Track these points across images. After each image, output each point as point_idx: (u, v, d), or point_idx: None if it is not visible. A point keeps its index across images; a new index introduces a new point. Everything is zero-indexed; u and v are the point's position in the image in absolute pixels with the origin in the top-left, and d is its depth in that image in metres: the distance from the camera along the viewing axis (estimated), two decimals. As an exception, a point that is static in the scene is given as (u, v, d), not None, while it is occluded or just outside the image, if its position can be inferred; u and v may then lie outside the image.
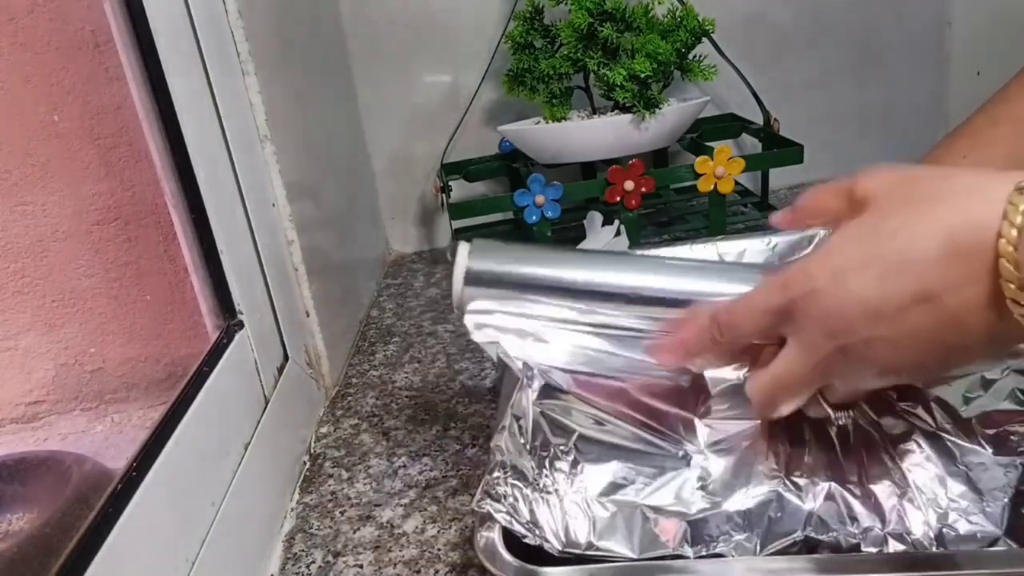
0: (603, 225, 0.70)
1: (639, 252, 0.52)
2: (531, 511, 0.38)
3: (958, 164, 0.53)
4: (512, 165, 0.93)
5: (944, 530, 0.38)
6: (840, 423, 0.43)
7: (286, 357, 0.61)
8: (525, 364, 0.44)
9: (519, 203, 0.80)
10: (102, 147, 0.50)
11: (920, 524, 0.38)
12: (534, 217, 0.80)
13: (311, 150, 0.73)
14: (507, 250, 0.47)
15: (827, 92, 1.01)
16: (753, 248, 0.64)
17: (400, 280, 0.94)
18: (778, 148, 0.84)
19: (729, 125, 0.95)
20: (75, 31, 0.49)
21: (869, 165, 0.45)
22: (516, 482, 0.39)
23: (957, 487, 0.39)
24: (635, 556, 0.38)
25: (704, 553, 0.38)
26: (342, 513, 0.53)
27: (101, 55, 0.49)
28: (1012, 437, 0.41)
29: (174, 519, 0.41)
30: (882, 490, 0.39)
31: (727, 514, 0.39)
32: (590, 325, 0.46)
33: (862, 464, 0.41)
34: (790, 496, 0.39)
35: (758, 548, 0.38)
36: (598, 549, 0.38)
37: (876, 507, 0.39)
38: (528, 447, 0.41)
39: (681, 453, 0.42)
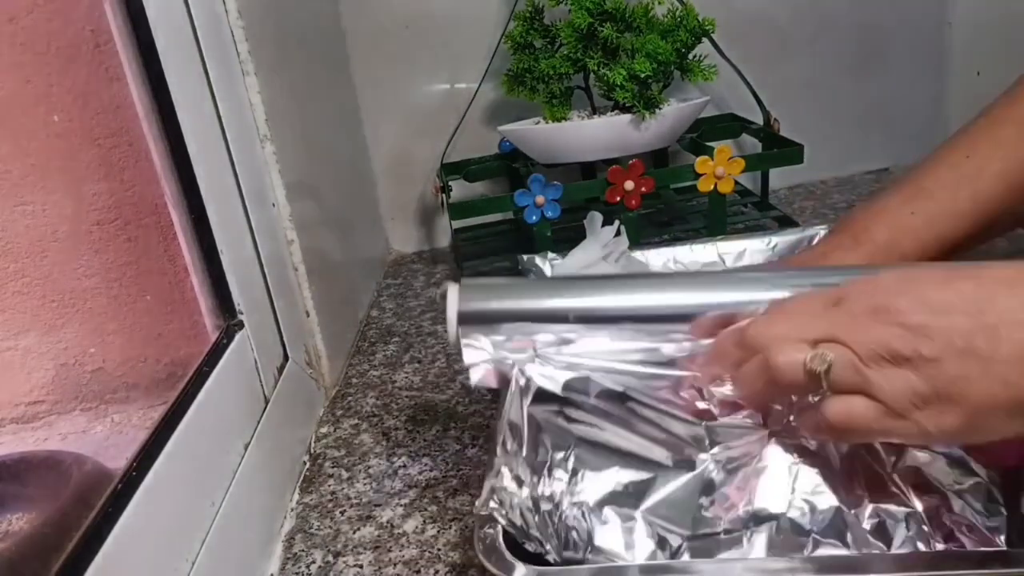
0: (603, 225, 0.70)
1: (626, 272, 0.53)
2: (531, 520, 0.38)
3: (961, 165, 0.53)
4: (512, 165, 0.93)
5: (943, 530, 0.38)
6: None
7: (286, 357, 0.61)
8: (519, 370, 0.44)
9: (519, 203, 0.80)
10: (102, 147, 0.50)
11: (918, 524, 0.38)
12: (534, 217, 0.80)
13: (311, 150, 0.73)
14: (496, 287, 0.48)
15: (827, 92, 1.01)
16: (753, 248, 0.64)
17: (400, 280, 0.94)
18: (778, 148, 0.84)
19: (729, 125, 0.95)
20: (75, 31, 0.49)
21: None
22: (515, 491, 0.39)
23: (956, 486, 0.39)
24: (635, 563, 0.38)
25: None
26: (342, 513, 0.53)
27: (101, 55, 0.49)
28: None
29: (174, 519, 0.41)
30: (881, 490, 0.39)
31: (726, 521, 0.39)
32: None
33: (866, 474, 0.40)
34: (793, 514, 0.39)
35: (759, 553, 0.38)
36: (600, 558, 0.38)
37: (875, 508, 0.39)
38: (525, 455, 0.41)
39: (684, 460, 0.42)
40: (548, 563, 0.37)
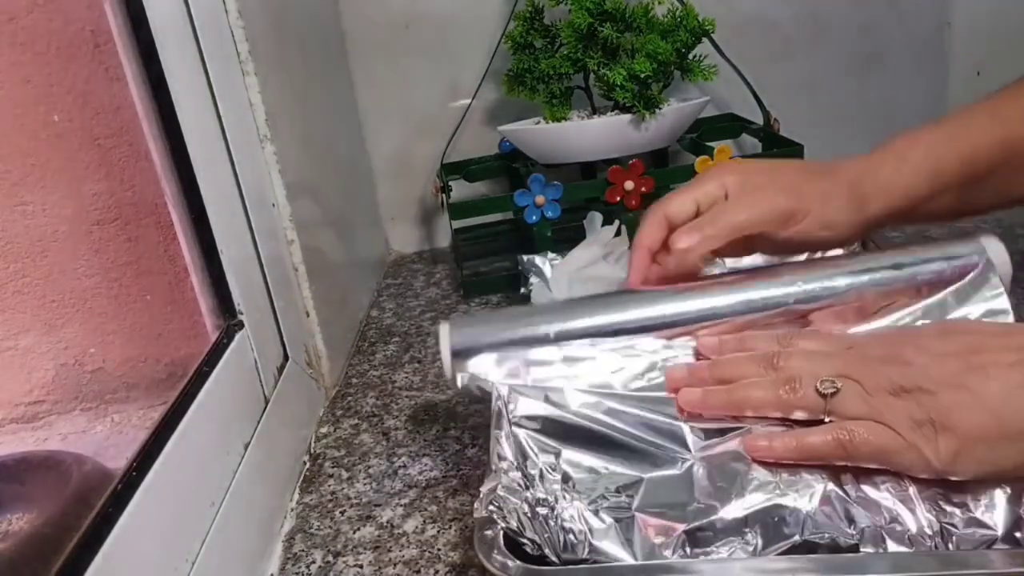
0: (603, 225, 0.70)
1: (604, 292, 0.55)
2: (529, 524, 0.38)
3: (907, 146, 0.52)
4: (512, 165, 0.93)
5: (942, 530, 0.38)
6: None
7: (286, 357, 0.61)
8: (498, 386, 0.46)
9: (519, 203, 0.80)
10: (102, 147, 0.50)
11: (918, 524, 0.38)
12: (534, 217, 0.80)
13: (311, 150, 0.73)
14: (484, 319, 0.53)
15: (827, 92, 1.01)
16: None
17: (400, 280, 0.94)
18: (778, 148, 0.84)
19: (729, 125, 0.95)
20: (75, 31, 0.49)
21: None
22: (511, 498, 0.39)
23: (955, 487, 0.39)
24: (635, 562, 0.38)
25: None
26: (342, 513, 0.53)
27: (101, 55, 0.49)
28: None
29: (174, 519, 0.41)
30: (878, 491, 0.39)
31: (724, 520, 0.39)
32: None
33: (857, 465, 0.41)
34: (786, 500, 0.39)
35: (757, 551, 0.38)
36: (596, 560, 0.38)
37: (873, 508, 0.39)
38: (517, 464, 0.42)
39: (672, 461, 0.42)
40: (548, 563, 0.37)
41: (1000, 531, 0.37)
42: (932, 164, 0.50)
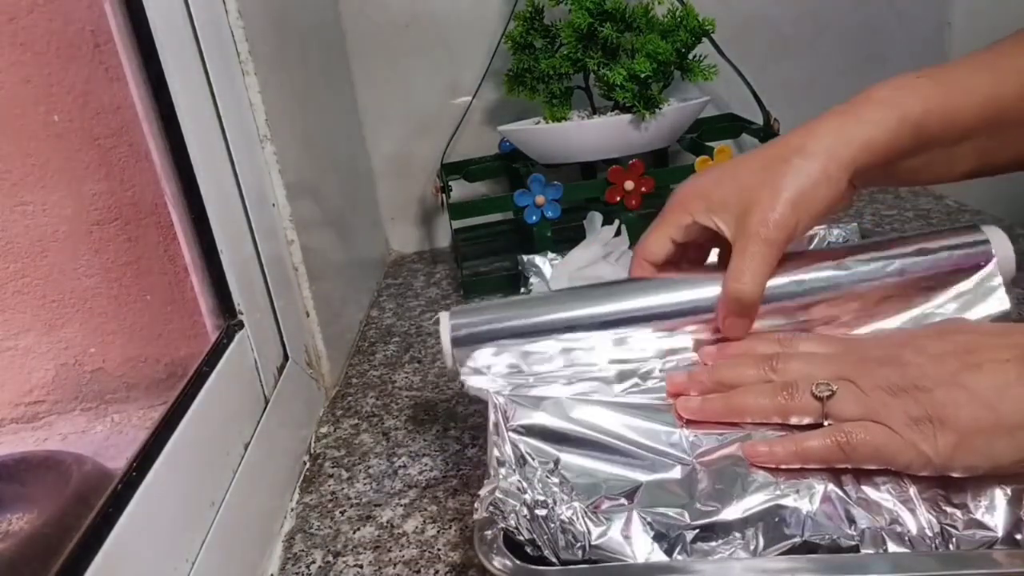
0: (603, 225, 0.70)
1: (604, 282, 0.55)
2: (528, 526, 0.38)
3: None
4: (512, 165, 0.93)
5: (943, 531, 0.38)
6: None
7: (286, 357, 0.61)
8: (495, 396, 0.46)
9: (519, 203, 0.80)
10: (102, 147, 0.50)
11: (918, 525, 0.38)
12: (534, 217, 0.80)
13: (311, 150, 0.73)
14: (485, 309, 0.52)
15: (827, 92, 1.00)
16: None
17: (400, 280, 0.94)
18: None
19: (729, 125, 0.95)
20: (75, 31, 0.49)
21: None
22: (510, 501, 0.39)
23: (955, 487, 0.39)
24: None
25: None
26: (342, 513, 0.53)
27: (101, 55, 0.49)
28: None
29: (174, 519, 0.41)
30: (878, 492, 0.39)
31: (724, 521, 0.39)
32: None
33: (858, 467, 0.41)
34: (787, 501, 0.39)
35: (758, 552, 0.38)
36: (596, 560, 0.38)
37: (874, 508, 0.39)
38: (515, 467, 0.42)
39: (671, 466, 0.42)
40: (547, 563, 0.37)
41: (1000, 532, 0.37)
42: (918, 116, 0.46)
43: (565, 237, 0.76)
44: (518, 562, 0.36)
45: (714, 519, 0.39)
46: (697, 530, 0.39)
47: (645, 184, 0.80)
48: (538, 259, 0.69)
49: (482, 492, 0.40)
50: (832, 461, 0.40)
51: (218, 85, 0.53)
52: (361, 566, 0.48)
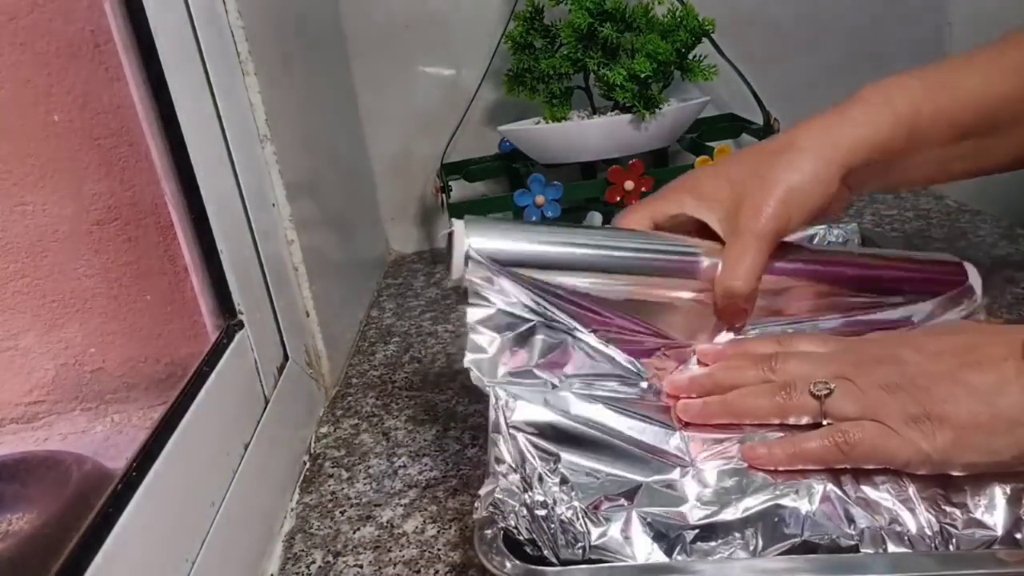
0: (603, 225, 0.70)
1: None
2: (528, 525, 0.38)
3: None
4: (512, 165, 0.93)
5: (942, 530, 0.38)
6: None
7: (286, 357, 0.61)
8: (496, 390, 0.45)
9: (519, 203, 0.80)
10: (102, 147, 0.50)
11: (918, 524, 0.38)
12: (534, 217, 0.80)
13: (311, 150, 0.73)
14: (502, 225, 0.51)
15: (827, 92, 1.00)
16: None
17: (400, 280, 0.94)
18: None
19: (729, 125, 0.95)
20: (75, 31, 0.49)
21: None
22: (509, 501, 0.39)
23: (955, 487, 0.39)
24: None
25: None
26: (342, 513, 0.53)
27: (101, 55, 0.49)
28: None
29: (174, 519, 0.41)
30: (878, 491, 0.39)
31: (724, 521, 0.39)
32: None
33: (857, 466, 0.41)
34: (786, 501, 0.39)
35: (757, 552, 0.38)
36: (598, 559, 0.38)
37: (873, 508, 0.39)
38: (515, 467, 0.42)
39: (672, 467, 0.42)
40: (547, 563, 0.38)
41: (1000, 531, 0.37)
42: (911, 116, 0.47)
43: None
44: (518, 562, 0.36)
45: (714, 519, 0.39)
46: (697, 530, 0.39)
47: (645, 184, 0.80)
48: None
49: (482, 491, 0.40)
50: (831, 462, 0.40)
51: (218, 85, 0.53)
52: (361, 566, 0.48)
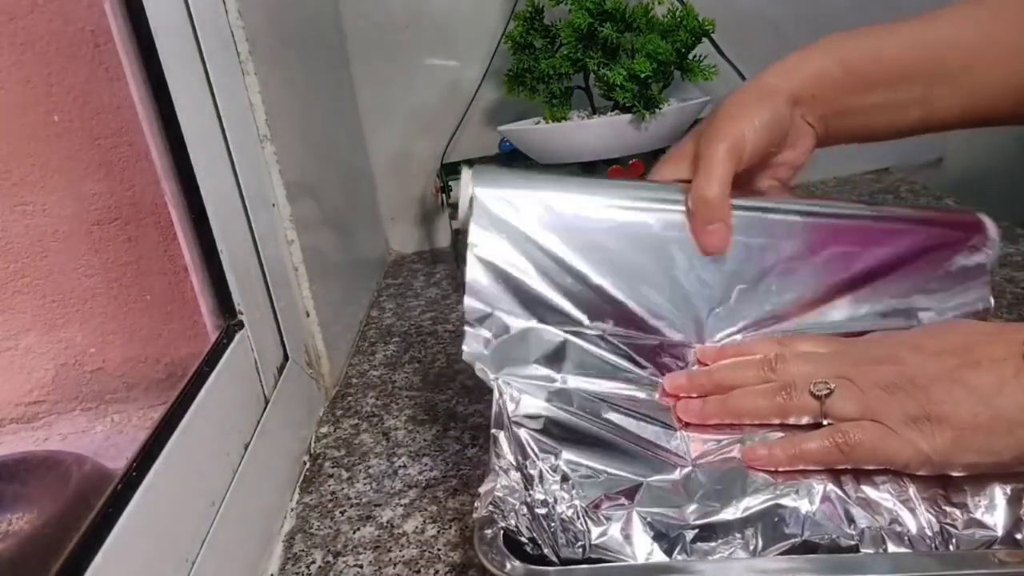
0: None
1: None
2: (528, 524, 0.38)
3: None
4: (512, 165, 0.93)
5: (942, 530, 0.38)
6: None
7: (286, 357, 0.61)
8: (500, 384, 0.45)
9: (519, 203, 0.80)
10: (102, 147, 0.50)
11: (918, 524, 0.38)
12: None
13: (311, 150, 0.73)
14: (508, 173, 0.52)
15: (827, 92, 1.01)
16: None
17: (400, 280, 0.94)
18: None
19: (729, 125, 0.95)
20: (75, 31, 0.49)
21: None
22: (510, 499, 0.39)
23: (955, 487, 0.39)
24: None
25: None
26: (342, 513, 0.53)
27: (101, 55, 0.49)
28: None
29: (174, 519, 0.41)
30: (878, 491, 0.39)
31: (724, 521, 0.39)
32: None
33: (857, 467, 0.41)
34: (786, 501, 0.39)
35: (757, 552, 0.38)
36: (598, 559, 0.38)
37: (873, 508, 0.39)
38: (516, 465, 0.41)
39: (672, 466, 0.42)
40: (548, 563, 0.37)
41: (1000, 531, 0.37)
42: (854, 53, 0.53)
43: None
44: (518, 562, 0.36)
45: (714, 519, 0.39)
46: (697, 530, 0.39)
47: (645, 184, 0.80)
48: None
49: (482, 489, 0.40)
50: (831, 462, 0.40)
51: (218, 85, 0.53)
52: (361, 566, 0.48)
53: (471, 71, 0.93)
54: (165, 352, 0.55)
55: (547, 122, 0.84)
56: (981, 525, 0.38)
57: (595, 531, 0.39)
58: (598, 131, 0.81)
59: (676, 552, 0.38)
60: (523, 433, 0.43)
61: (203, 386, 0.47)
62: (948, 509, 0.38)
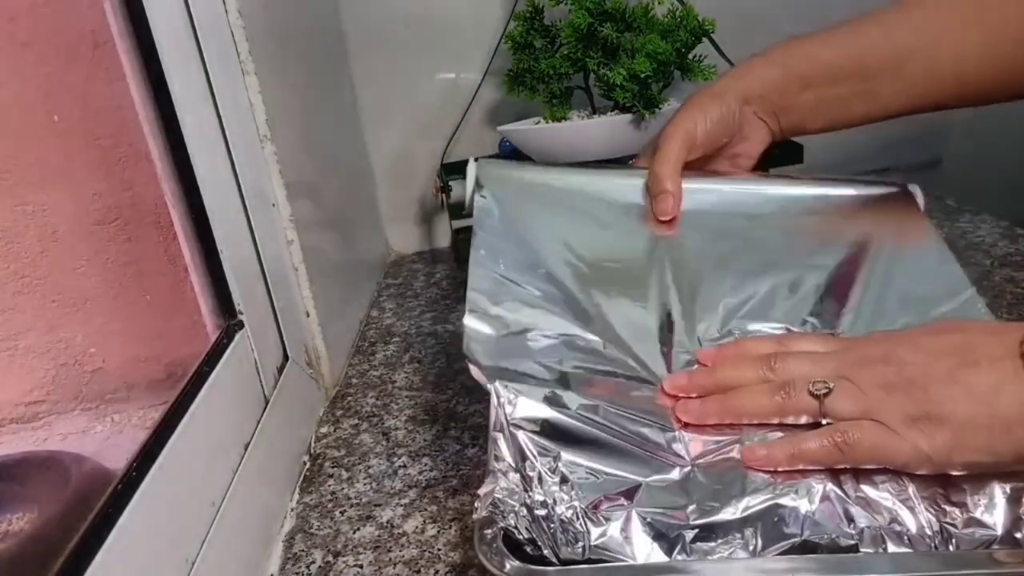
0: None
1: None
2: (528, 526, 0.38)
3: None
4: (512, 165, 0.93)
5: (942, 530, 0.38)
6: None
7: (286, 357, 0.61)
8: (498, 387, 0.45)
9: (519, 203, 0.80)
10: (102, 147, 0.50)
11: (918, 524, 0.38)
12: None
13: (311, 150, 0.73)
14: (511, 163, 0.63)
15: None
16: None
17: (400, 280, 0.94)
18: (778, 148, 0.84)
19: (729, 125, 0.95)
20: (75, 31, 0.49)
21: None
22: (509, 501, 0.39)
23: (954, 486, 0.39)
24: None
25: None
26: (342, 513, 0.53)
27: (101, 55, 0.49)
28: None
29: (174, 519, 0.41)
30: (877, 491, 0.39)
31: (724, 521, 0.39)
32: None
33: (857, 466, 0.41)
34: (786, 500, 0.39)
35: (757, 551, 0.38)
36: (598, 559, 0.38)
37: (873, 507, 0.39)
38: (515, 466, 0.41)
39: (671, 467, 0.42)
40: (547, 563, 0.38)
41: (999, 531, 0.37)
42: (797, 60, 0.61)
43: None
44: (518, 562, 0.36)
45: (713, 519, 0.39)
46: (696, 530, 0.39)
47: (645, 184, 0.80)
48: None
49: (482, 491, 0.40)
50: (830, 462, 0.40)
51: (218, 85, 0.53)
52: (361, 566, 0.48)
53: (471, 71, 0.93)
54: (165, 352, 0.55)
55: (547, 122, 0.84)
56: (981, 524, 0.38)
57: (595, 532, 0.39)
58: (598, 131, 0.81)
59: (676, 552, 0.38)
60: (521, 435, 0.43)
61: (203, 386, 0.47)
62: (948, 508, 0.38)
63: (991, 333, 0.41)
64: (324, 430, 0.63)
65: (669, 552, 0.38)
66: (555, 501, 0.40)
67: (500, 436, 0.43)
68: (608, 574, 0.38)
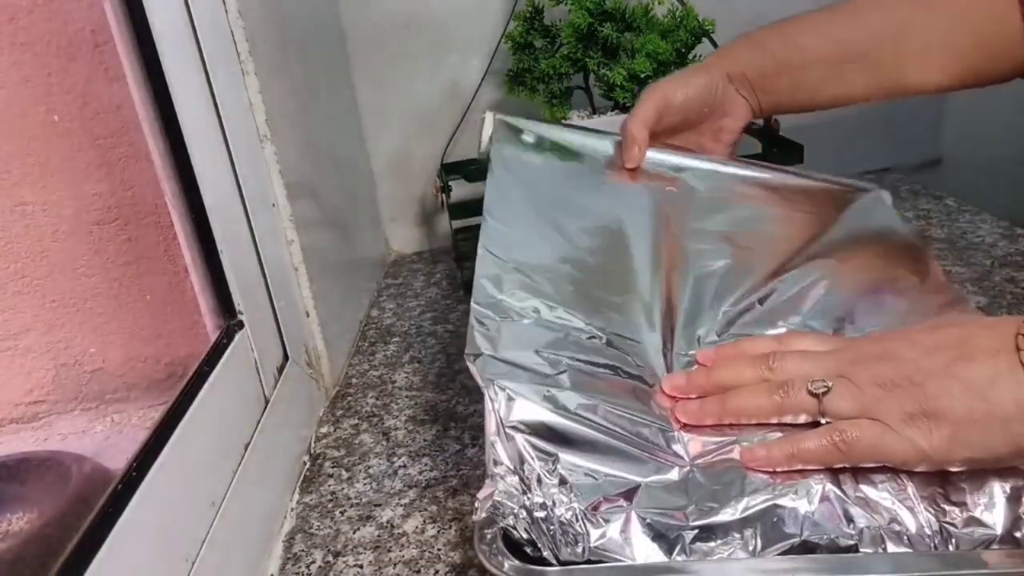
0: None
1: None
2: (527, 527, 0.38)
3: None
4: (512, 165, 0.93)
5: (942, 529, 0.38)
6: None
7: (286, 357, 0.61)
8: (496, 389, 0.45)
9: (519, 203, 0.80)
10: (102, 147, 0.50)
11: (917, 524, 0.38)
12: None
13: (311, 150, 0.73)
14: (528, 120, 0.69)
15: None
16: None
17: (400, 280, 0.94)
18: (778, 148, 0.84)
19: (729, 125, 0.95)
20: (75, 31, 0.49)
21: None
22: (508, 503, 0.39)
23: (954, 486, 0.39)
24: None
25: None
26: (342, 513, 0.53)
27: (101, 55, 0.49)
28: None
29: (174, 519, 0.41)
30: (877, 490, 0.39)
31: (724, 521, 0.39)
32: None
33: (856, 466, 0.41)
34: (785, 501, 0.39)
35: (757, 552, 0.38)
36: (598, 560, 0.38)
37: (872, 507, 0.39)
38: (513, 468, 0.41)
39: (670, 467, 0.42)
40: (547, 564, 0.37)
41: (999, 530, 0.37)
42: (774, 43, 0.65)
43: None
44: (518, 562, 0.36)
45: (713, 519, 0.39)
46: (696, 530, 0.39)
47: (645, 184, 0.80)
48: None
49: (481, 495, 0.40)
50: (829, 461, 0.40)
51: (218, 85, 0.53)
52: (361, 566, 0.48)
53: (471, 71, 0.93)
54: (165, 352, 0.55)
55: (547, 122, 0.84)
56: (980, 524, 0.38)
57: (594, 533, 0.39)
58: (598, 131, 0.81)
59: (675, 552, 0.38)
60: (519, 438, 0.43)
61: (203, 386, 0.47)
62: (947, 508, 0.38)
63: (987, 327, 0.41)
64: (324, 430, 0.63)
65: (669, 553, 0.38)
66: (554, 503, 0.40)
67: (497, 441, 0.42)
68: (608, 574, 0.38)
